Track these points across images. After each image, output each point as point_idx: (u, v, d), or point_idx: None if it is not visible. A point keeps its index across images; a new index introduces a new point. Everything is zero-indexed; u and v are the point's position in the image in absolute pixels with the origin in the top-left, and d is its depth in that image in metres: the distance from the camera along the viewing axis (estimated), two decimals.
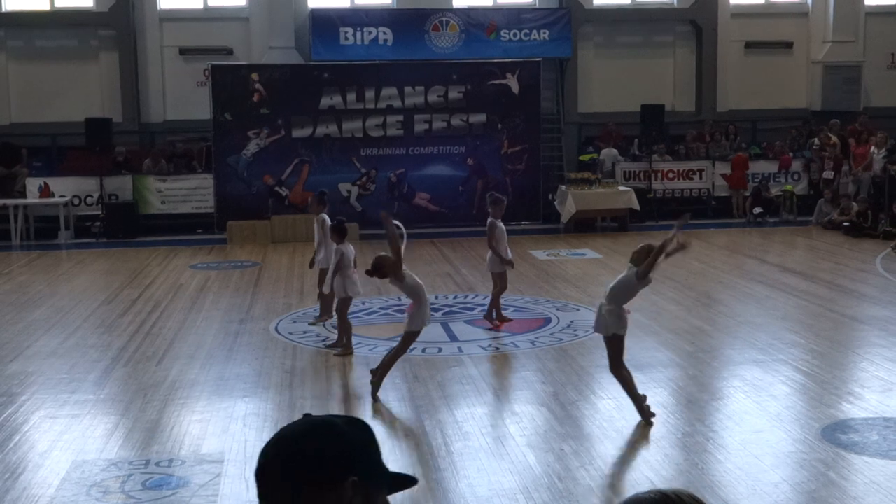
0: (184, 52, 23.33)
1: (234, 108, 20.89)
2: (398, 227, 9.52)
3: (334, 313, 11.72)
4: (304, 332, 12.11)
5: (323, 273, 12.27)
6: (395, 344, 11.43)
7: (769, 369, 10.15)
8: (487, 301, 12.76)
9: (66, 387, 9.95)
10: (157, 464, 7.77)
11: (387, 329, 12.29)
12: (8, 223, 20.29)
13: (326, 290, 11.74)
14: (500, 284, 12.39)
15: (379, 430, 8.31)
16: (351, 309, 13.40)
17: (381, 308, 13.59)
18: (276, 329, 12.37)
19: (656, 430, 8.39)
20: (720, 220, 21.83)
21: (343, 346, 11.10)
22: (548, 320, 12.54)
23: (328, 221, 12.31)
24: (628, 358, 10.42)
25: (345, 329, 11.18)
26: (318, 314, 12.73)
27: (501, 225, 12.48)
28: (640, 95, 22.90)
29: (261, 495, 2.30)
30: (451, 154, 21.57)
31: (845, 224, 19.44)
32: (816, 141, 22.74)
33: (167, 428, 8.69)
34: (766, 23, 24.96)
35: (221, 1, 23.66)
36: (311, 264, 12.91)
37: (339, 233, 11.30)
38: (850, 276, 15.36)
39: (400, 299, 14.09)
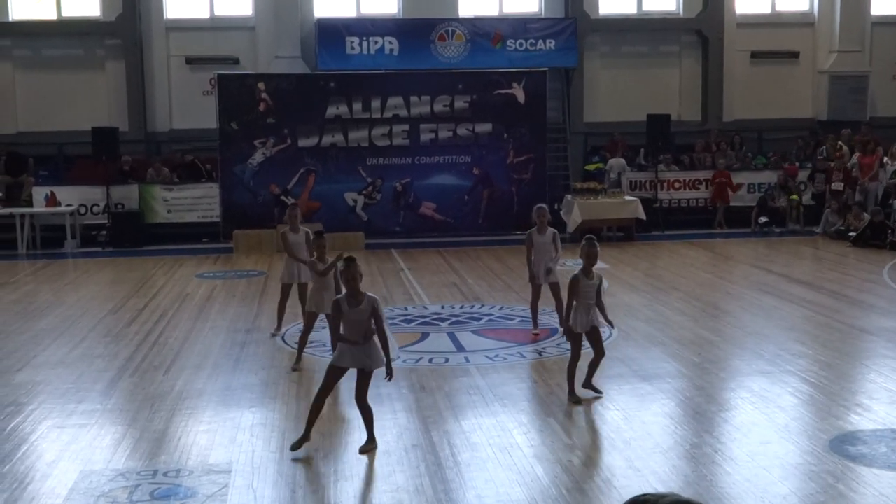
0: (190, 61, 23.40)
1: (240, 117, 20.95)
2: None
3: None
4: (311, 342, 12.05)
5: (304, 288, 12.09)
6: (401, 353, 11.45)
7: (777, 380, 10.12)
8: (500, 311, 12.67)
9: (74, 396, 9.95)
10: (164, 474, 7.76)
11: (393, 339, 12.26)
12: (14, 232, 20.34)
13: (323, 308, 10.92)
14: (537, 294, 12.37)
15: (386, 441, 8.33)
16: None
17: (387, 318, 13.56)
18: (283, 339, 12.36)
19: (664, 442, 8.38)
20: (726, 230, 21.83)
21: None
22: (554, 331, 12.51)
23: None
24: (636, 368, 10.45)
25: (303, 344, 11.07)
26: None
27: (540, 237, 12.18)
28: (646, 105, 22.94)
29: None
30: (457, 163, 21.60)
31: (851, 234, 19.42)
32: (823, 150, 22.74)
33: (174, 438, 8.68)
34: (772, 33, 24.98)
35: (228, 10, 23.73)
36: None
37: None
38: (857, 286, 15.33)
39: (406, 309, 14.10)
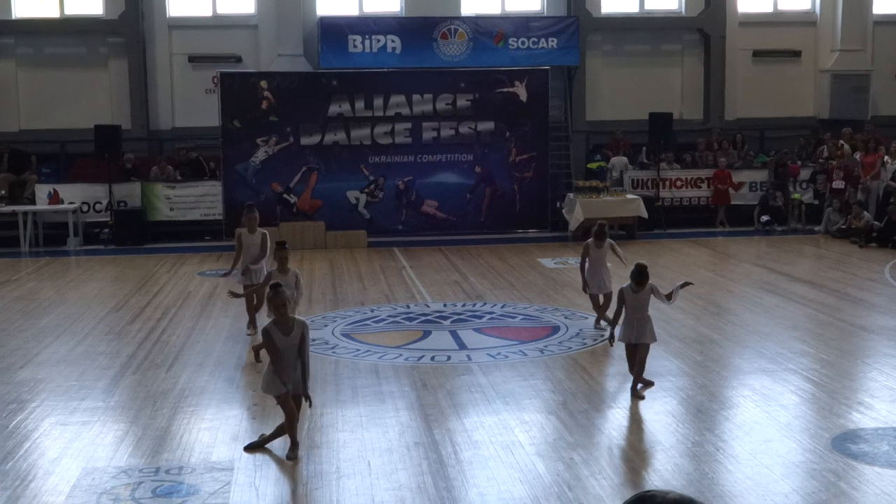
0: (193, 59, 23.42)
1: (242, 115, 20.96)
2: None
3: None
4: (313, 340, 12.09)
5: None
6: (403, 351, 11.47)
7: (778, 379, 10.13)
8: (502, 309, 12.67)
9: (76, 394, 9.97)
10: (167, 471, 7.78)
11: (395, 337, 12.30)
12: (17, 229, 20.36)
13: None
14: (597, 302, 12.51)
15: (388, 439, 8.34)
16: (358, 317, 13.47)
17: (389, 316, 13.59)
18: None
19: (666, 440, 8.39)
20: (728, 228, 21.82)
21: None
22: (556, 328, 12.53)
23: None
24: None
25: None
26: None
27: (598, 250, 12.39)
28: (648, 104, 22.95)
29: None
30: (459, 162, 21.61)
31: (874, 234, 19.35)
32: (825, 150, 22.73)
33: (177, 435, 8.69)
34: (773, 31, 24.97)
35: (230, 8, 23.75)
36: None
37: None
38: (859, 285, 15.33)
39: (408, 307, 14.11)
